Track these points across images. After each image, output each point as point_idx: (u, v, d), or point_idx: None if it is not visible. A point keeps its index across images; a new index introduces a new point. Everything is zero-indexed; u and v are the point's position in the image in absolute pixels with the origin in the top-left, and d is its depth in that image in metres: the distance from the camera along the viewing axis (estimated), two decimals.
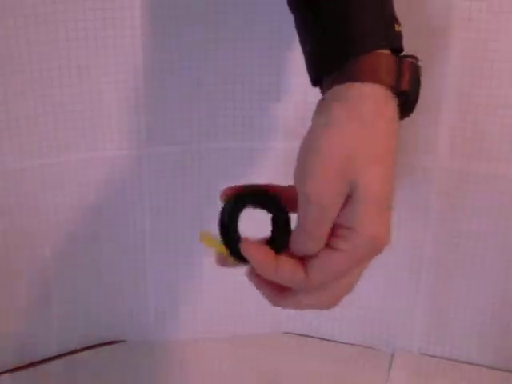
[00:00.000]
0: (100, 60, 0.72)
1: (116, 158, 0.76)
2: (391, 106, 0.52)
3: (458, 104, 0.73)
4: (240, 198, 0.52)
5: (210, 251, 0.52)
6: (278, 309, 0.87)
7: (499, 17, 0.69)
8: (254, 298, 0.86)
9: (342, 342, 0.86)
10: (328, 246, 0.51)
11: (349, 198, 0.50)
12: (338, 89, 0.52)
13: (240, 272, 0.87)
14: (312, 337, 0.87)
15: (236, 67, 0.75)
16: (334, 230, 0.51)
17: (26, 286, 0.78)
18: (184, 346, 0.85)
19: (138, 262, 0.81)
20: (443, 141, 0.74)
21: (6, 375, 0.80)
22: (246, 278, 0.85)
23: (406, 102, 0.54)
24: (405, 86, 0.53)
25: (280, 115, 0.76)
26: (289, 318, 0.87)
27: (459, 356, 0.83)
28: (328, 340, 0.87)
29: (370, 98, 0.51)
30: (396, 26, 0.55)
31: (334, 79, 0.52)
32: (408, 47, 0.72)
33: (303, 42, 0.56)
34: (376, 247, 0.52)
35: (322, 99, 0.53)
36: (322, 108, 0.52)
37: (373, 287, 0.83)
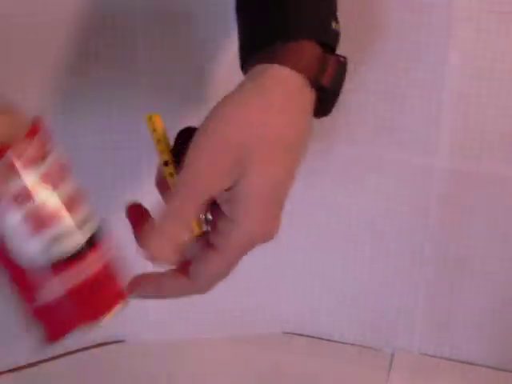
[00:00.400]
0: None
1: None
2: (306, 96, 0.51)
3: (457, 104, 0.73)
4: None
5: None
6: (278, 309, 0.87)
7: (499, 17, 0.69)
8: (254, 297, 0.86)
9: (342, 342, 0.86)
10: (207, 245, 0.51)
11: (235, 187, 0.49)
12: (257, 69, 0.51)
13: (240, 272, 0.87)
14: (312, 337, 0.87)
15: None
16: (217, 220, 0.51)
17: None
18: (184, 346, 0.85)
19: (137, 262, 0.81)
20: (443, 141, 0.74)
21: (6, 375, 0.80)
22: (246, 278, 0.85)
23: (325, 100, 0.52)
24: (326, 81, 0.52)
25: None
26: (289, 317, 0.87)
27: (459, 356, 0.83)
28: (328, 340, 0.87)
29: (283, 83, 0.50)
30: (333, 24, 0.54)
31: (256, 61, 0.52)
32: (408, 47, 0.73)
33: (238, 27, 0.56)
34: (257, 241, 0.51)
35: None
36: (235, 89, 0.51)
37: (373, 287, 0.83)
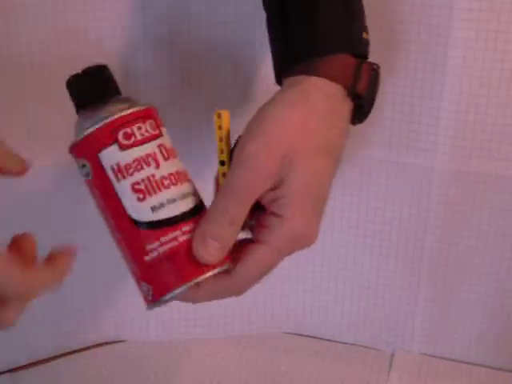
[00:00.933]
0: None
1: None
2: (345, 104, 0.54)
3: (457, 104, 0.73)
4: None
5: None
6: (278, 309, 0.87)
7: (499, 17, 0.69)
8: (254, 298, 0.86)
9: (342, 342, 0.86)
10: (254, 240, 0.52)
11: (282, 185, 0.50)
12: (294, 79, 0.53)
13: None
14: (312, 337, 0.87)
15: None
16: (262, 220, 0.51)
17: None
18: (184, 346, 0.85)
19: None
20: (443, 141, 0.74)
21: (6, 375, 0.80)
22: None
23: (361, 107, 0.55)
24: (361, 88, 0.54)
25: None
26: (289, 317, 0.87)
27: (459, 356, 0.83)
28: (328, 340, 0.87)
29: (323, 92, 0.52)
30: (364, 34, 0.56)
31: (294, 72, 0.54)
32: (408, 47, 0.73)
33: (272, 40, 0.57)
34: (301, 242, 0.52)
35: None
36: (276, 94, 0.53)
37: (373, 287, 0.83)
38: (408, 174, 0.77)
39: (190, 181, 0.52)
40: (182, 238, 0.49)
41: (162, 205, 0.49)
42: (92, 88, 0.50)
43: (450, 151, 0.75)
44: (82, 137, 0.49)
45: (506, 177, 0.74)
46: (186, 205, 0.50)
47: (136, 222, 0.49)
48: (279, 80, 0.57)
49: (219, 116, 0.52)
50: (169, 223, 0.49)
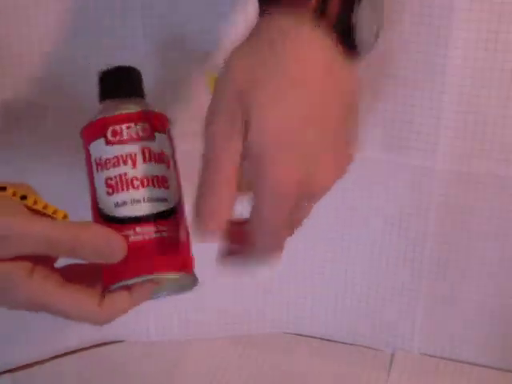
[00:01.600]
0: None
1: None
2: (305, 29, 0.48)
3: (457, 104, 0.73)
4: None
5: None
6: (278, 309, 0.87)
7: (499, 17, 0.69)
8: (254, 298, 0.86)
9: (342, 342, 0.86)
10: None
11: (248, 139, 0.46)
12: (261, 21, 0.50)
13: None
14: (312, 337, 0.87)
15: None
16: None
17: None
18: (184, 346, 0.85)
19: None
20: (443, 141, 0.74)
21: (6, 375, 0.80)
22: (245, 279, 0.85)
23: (340, 32, 0.49)
24: (331, 10, 0.48)
25: None
26: (289, 317, 0.87)
27: (459, 356, 0.83)
28: (328, 340, 0.87)
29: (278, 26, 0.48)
30: None
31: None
32: (408, 47, 0.73)
33: None
34: (280, 193, 0.46)
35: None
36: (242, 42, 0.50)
37: (373, 287, 0.83)
38: (408, 173, 0.77)
39: (170, 188, 0.52)
40: (132, 239, 0.50)
41: (124, 203, 0.50)
42: (115, 84, 0.53)
43: (450, 151, 0.75)
44: (86, 124, 0.52)
45: (506, 177, 0.74)
46: (150, 208, 0.51)
47: (100, 213, 0.51)
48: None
49: (214, 79, 0.52)
50: (124, 222, 0.50)
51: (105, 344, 0.85)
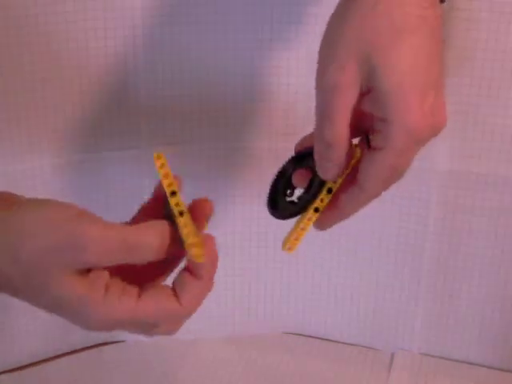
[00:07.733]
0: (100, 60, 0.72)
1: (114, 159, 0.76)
2: None
3: (457, 105, 0.73)
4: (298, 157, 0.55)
5: None
6: (278, 309, 0.87)
7: (499, 17, 0.69)
8: (254, 298, 0.86)
9: (342, 342, 0.86)
10: (369, 148, 0.49)
11: (373, 86, 0.46)
12: None
13: (240, 272, 0.87)
14: (312, 337, 0.87)
15: (233, 67, 0.75)
16: (371, 127, 0.48)
17: None
18: (183, 346, 0.85)
19: None
20: (443, 141, 0.74)
21: (6, 375, 0.80)
22: (245, 279, 0.85)
23: None
24: None
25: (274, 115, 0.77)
26: (289, 317, 0.87)
27: (459, 356, 0.83)
28: (328, 340, 0.87)
29: None
30: None
31: None
32: None
33: None
34: (417, 135, 0.46)
35: None
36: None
37: (373, 287, 0.83)
38: (408, 174, 0.77)
39: None
40: None
41: None
42: None
43: (450, 151, 0.75)
44: None
45: (506, 177, 0.74)
46: None
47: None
48: None
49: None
50: None
51: (105, 344, 0.85)
